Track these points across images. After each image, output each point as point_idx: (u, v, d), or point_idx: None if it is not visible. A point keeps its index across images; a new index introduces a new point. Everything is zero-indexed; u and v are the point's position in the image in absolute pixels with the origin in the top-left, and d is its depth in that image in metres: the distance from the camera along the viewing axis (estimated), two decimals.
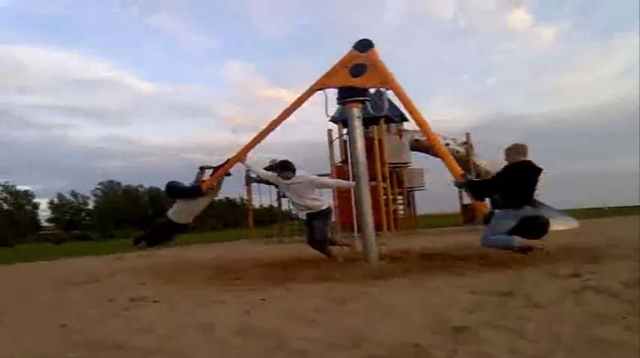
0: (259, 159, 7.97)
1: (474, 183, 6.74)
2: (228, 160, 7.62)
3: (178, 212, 7.80)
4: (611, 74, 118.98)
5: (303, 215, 7.51)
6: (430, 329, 2.81)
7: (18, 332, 3.60)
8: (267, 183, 13.84)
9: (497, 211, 6.11)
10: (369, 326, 3.00)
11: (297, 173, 6.92)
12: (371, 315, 3.34)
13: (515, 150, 6.02)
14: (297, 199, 6.98)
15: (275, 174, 7.22)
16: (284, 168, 6.94)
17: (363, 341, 2.67)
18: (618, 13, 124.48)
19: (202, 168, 7.96)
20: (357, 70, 6.98)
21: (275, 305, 4.03)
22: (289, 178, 6.90)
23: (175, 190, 7.96)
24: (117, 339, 3.08)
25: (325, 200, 7.42)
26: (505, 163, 6.09)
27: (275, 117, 7.28)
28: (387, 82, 7.01)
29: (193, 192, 7.83)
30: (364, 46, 7.07)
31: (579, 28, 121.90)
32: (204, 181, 7.80)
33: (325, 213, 7.20)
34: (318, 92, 7.15)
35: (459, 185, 6.93)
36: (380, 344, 2.59)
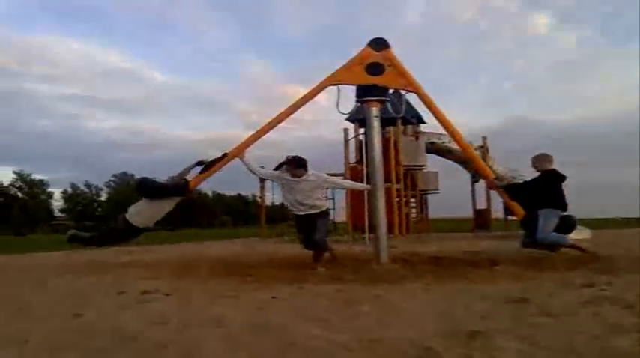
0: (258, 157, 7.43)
1: (513, 185, 7.29)
2: (224, 156, 7.13)
3: (141, 214, 7.08)
4: (632, 83, 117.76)
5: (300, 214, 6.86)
6: (443, 334, 2.80)
7: (32, 320, 3.63)
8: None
9: (544, 211, 6.49)
10: (381, 328, 2.99)
11: (308, 171, 6.70)
12: (383, 317, 3.33)
13: (546, 159, 6.74)
14: (304, 198, 6.68)
15: (278, 172, 6.98)
16: (299, 165, 6.64)
17: (375, 342, 2.66)
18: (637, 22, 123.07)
19: (200, 163, 7.21)
20: (375, 69, 6.98)
21: (286, 303, 4.03)
22: (301, 176, 6.63)
23: (152, 188, 7.17)
24: (130, 330, 3.09)
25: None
26: (524, 170, 6.52)
27: (275, 116, 7.24)
28: (409, 84, 7.04)
29: (177, 190, 7.17)
30: (379, 44, 7.07)
31: (601, 34, 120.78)
32: (193, 178, 7.22)
33: (327, 214, 7.11)
34: (331, 88, 7.17)
35: (493, 186, 7.32)
36: (392, 346, 2.58)
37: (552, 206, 6.51)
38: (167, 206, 7.14)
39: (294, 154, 6.75)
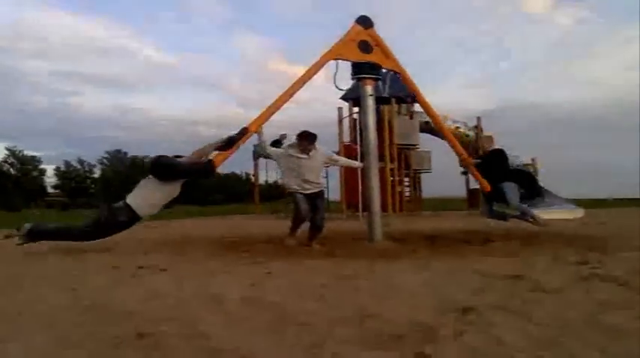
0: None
1: (477, 163, 7.49)
2: (244, 130, 6.36)
3: (149, 199, 5.98)
4: (629, 64, 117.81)
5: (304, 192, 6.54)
6: (437, 309, 2.82)
7: (27, 293, 3.63)
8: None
9: (506, 184, 7.06)
10: (376, 304, 3.01)
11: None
12: (377, 293, 3.35)
13: (489, 141, 8.07)
14: (312, 176, 6.47)
15: (283, 149, 6.83)
16: (312, 139, 6.40)
17: (369, 317, 2.67)
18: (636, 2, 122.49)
19: (230, 140, 6.15)
20: (366, 47, 6.97)
21: (281, 279, 4.04)
22: (310, 151, 6.41)
23: (171, 168, 5.99)
24: (126, 305, 3.09)
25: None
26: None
27: (288, 88, 7.13)
28: (394, 65, 7.06)
29: (201, 170, 6.24)
30: (366, 22, 7.04)
31: (599, 14, 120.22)
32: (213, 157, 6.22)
33: (323, 192, 7.03)
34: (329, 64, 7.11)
35: (468, 164, 7.46)
36: (387, 321, 2.59)
37: (504, 179, 7.14)
38: (176, 189, 6.14)
39: (303, 129, 6.48)
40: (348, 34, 7.01)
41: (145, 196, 5.96)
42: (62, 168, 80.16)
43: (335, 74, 7.09)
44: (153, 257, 5.62)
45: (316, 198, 6.53)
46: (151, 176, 6.02)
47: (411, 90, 7.52)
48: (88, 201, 64.02)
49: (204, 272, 4.41)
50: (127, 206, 5.87)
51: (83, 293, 3.60)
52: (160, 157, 6.11)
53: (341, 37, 7.03)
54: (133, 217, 5.93)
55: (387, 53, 7.01)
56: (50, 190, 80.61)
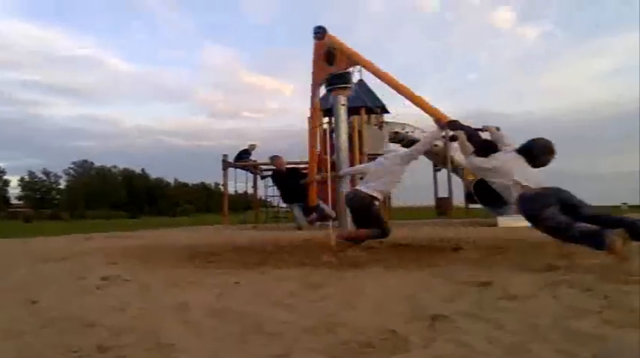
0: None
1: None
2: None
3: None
4: (593, 75, 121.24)
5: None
6: (407, 317, 2.79)
7: None
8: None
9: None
10: (345, 312, 2.97)
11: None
12: (347, 301, 3.30)
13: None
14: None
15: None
16: None
17: (339, 326, 2.63)
18: (601, 16, 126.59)
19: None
20: (329, 57, 7.00)
21: (249, 288, 3.97)
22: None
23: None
24: (88, 317, 3.00)
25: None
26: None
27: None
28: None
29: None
30: (319, 32, 7.07)
31: (562, 28, 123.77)
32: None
33: None
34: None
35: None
36: (356, 329, 2.55)
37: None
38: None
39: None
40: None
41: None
42: (26, 178, 78.45)
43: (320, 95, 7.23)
44: (118, 267, 5.51)
45: None
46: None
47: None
48: (53, 212, 62.75)
49: (169, 283, 4.31)
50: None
51: (45, 304, 3.49)
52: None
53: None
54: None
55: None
56: (14, 201, 78.88)
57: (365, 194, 5.88)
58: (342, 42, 7.03)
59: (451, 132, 6.11)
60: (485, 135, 5.82)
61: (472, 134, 5.77)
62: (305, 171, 10.30)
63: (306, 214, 7.55)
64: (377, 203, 6.04)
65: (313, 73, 7.09)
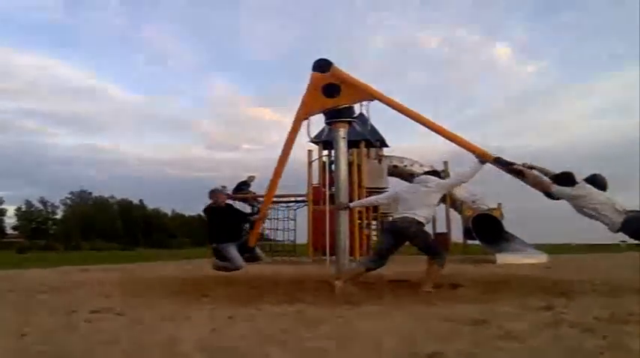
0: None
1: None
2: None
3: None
4: (590, 113, 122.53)
5: None
6: (403, 356, 2.73)
7: None
8: None
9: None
10: (340, 350, 2.91)
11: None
12: (342, 339, 3.24)
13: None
14: None
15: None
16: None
17: None
18: (598, 55, 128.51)
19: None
20: (332, 90, 6.90)
21: (243, 324, 3.90)
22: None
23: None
24: (78, 351, 2.93)
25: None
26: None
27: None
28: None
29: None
30: (323, 65, 7.01)
31: (560, 66, 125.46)
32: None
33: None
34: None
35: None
36: None
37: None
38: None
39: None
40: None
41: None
42: (23, 208, 78.09)
43: (308, 129, 7.14)
44: (110, 300, 5.43)
45: None
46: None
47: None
48: (48, 242, 62.25)
49: (162, 317, 4.24)
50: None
51: (34, 338, 3.42)
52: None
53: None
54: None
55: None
56: (10, 231, 78.34)
57: (415, 219, 5.89)
58: (349, 75, 6.97)
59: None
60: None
61: (519, 170, 6.20)
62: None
63: (240, 253, 7.27)
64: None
65: (305, 104, 7.01)
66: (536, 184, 6.16)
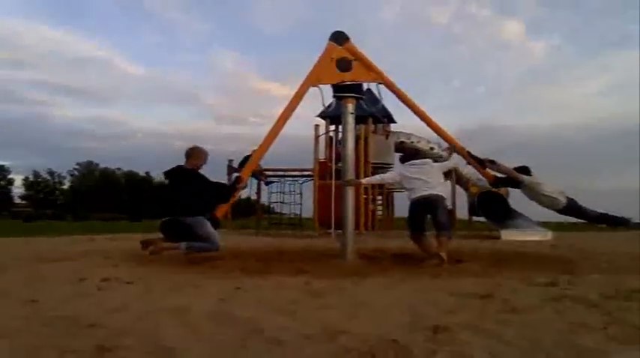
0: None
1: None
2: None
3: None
4: (600, 90, 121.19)
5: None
6: (409, 327, 2.77)
7: None
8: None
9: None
10: (347, 320, 2.95)
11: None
12: (348, 310, 3.29)
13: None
14: None
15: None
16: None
17: (340, 334, 2.62)
18: (607, 32, 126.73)
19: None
20: (344, 65, 6.91)
21: (250, 294, 3.97)
22: None
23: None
24: (89, 317, 2.98)
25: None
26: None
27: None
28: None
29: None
30: (340, 38, 7.00)
31: (569, 44, 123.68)
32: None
33: None
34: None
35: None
36: (357, 337, 2.54)
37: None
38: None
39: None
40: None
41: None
42: (31, 178, 78.52)
43: (323, 99, 7.13)
44: (120, 269, 5.50)
45: None
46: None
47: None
48: (55, 212, 62.72)
49: (171, 286, 4.30)
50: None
51: (45, 305, 3.47)
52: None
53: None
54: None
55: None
56: (17, 200, 78.97)
57: (441, 196, 6.50)
58: (364, 55, 6.99)
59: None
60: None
61: (491, 160, 7.17)
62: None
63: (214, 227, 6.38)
64: None
65: (314, 72, 6.99)
66: (508, 172, 7.04)
